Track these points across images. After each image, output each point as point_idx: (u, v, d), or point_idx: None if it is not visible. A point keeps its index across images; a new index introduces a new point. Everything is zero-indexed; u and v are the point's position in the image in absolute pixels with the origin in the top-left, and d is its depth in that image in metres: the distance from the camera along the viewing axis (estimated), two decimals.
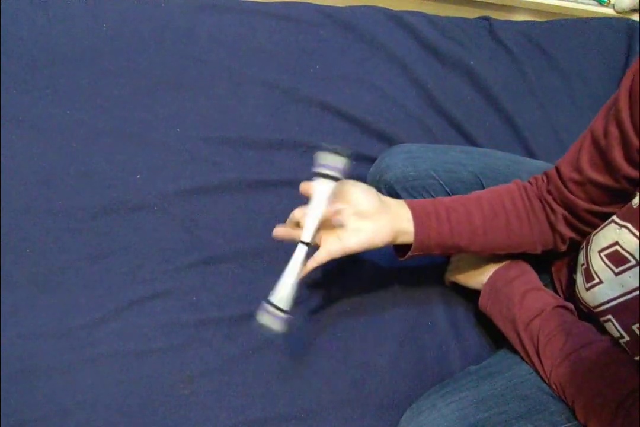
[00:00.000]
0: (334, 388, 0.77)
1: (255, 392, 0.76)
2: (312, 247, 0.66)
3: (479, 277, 0.77)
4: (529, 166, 0.83)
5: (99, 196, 0.90)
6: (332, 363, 0.79)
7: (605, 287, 0.61)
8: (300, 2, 1.22)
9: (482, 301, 0.76)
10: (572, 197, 0.64)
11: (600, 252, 0.62)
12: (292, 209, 0.93)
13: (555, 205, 0.67)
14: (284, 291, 0.64)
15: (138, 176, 0.93)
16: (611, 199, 0.63)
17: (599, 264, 0.62)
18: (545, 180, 0.69)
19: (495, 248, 0.70)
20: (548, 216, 0.68)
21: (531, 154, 1.06)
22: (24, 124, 0.96)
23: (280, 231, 0.68)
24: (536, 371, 0.67)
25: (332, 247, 0.64)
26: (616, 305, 0.60)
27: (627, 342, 0.60)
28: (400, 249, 0.70)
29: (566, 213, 0.67)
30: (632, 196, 0.59)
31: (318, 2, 1.22)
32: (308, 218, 0.66)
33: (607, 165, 0.59)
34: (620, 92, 0.57)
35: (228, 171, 0.96)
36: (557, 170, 0.66)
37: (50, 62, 1.03)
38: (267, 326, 0.63)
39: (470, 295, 0.82)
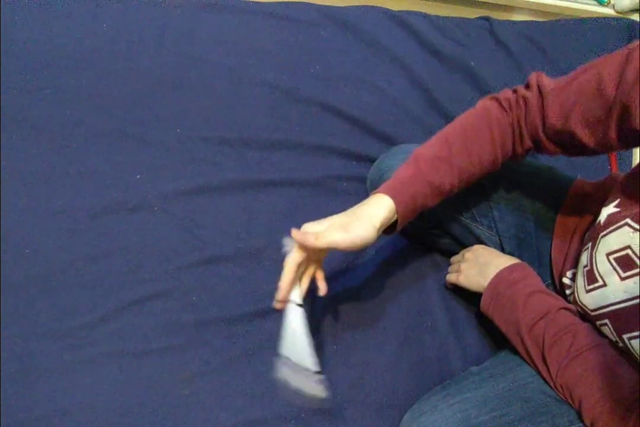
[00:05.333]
0: (334, 388, 0.77)
1: (255, 392, 0.76)
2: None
3: (480, 280, 0.77)
4: (528, 167, 0.83)
5: (99, 196, 0.90)
6: (332, 363, 0.79)
7: (608, 291, 0.61)
8: (300, 2, 1.22)
9: (484, 304, 0.75)
10: (543, 138, 0.65)
11: (608, 255, 0.61)
12: (291, 209, 0.94)
13: (525, 133, 0.67)
14: (311, 354, 0.63)
15: (138, 176, 0.93)
16: (579, 152, 0.64)
17: (605, 267, 0.61)
18: (523, 109, 0.66)
19: (467, 166, 0.68)
20: (514, 137, 0.68)
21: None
22: (24, 124, 0.96)
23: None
24: (539, 373, 0.66)
25: (330, 236, 0.62)
26: (615, 311, 0.60)
27: (622, 347, 0.60)
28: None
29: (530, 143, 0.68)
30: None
31: (318, 2, 1.22)
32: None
33: (600, 124, 0.58)
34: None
35: (228, 171, 0.96)
36: (543, 108, 0.64)
37: (50, 62, 1.03)
38: (311, 395, 0.63)
39: (471, 296, 0.82)
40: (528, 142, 0.67)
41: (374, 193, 0.67)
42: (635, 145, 0.59)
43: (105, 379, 0.75)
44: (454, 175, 0.67)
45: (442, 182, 0.67)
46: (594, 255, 0.64)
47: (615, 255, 0.60)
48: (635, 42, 0.56)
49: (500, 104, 0.68)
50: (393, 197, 0.65)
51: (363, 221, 0.63)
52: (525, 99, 0.65)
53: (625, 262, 0.58)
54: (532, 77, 0.65)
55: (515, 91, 0.68)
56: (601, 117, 0.58)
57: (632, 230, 0.58)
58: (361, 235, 0.62)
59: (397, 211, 0.65)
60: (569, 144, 0.64)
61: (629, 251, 0.58)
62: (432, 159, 0.67)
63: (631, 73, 0.54)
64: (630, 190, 0.61)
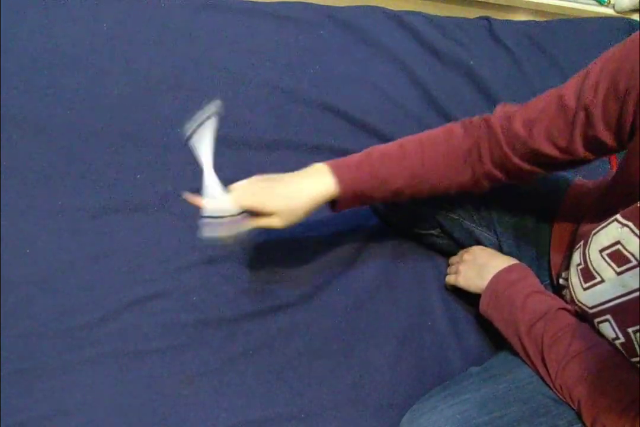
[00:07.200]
0: (334, 388, 0.77)
1: (255, 392, 0.76)
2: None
3: (479, 281, 0.77)
4: None
5: (99, 196, 0.90)
6: (332, 363, 0.79)
7: (606, 286, 0.61)
8: (300, 2, 1.22)
9: (483, 305, 0.75)
10: (510, 153, 0.64)
11: (601, 251, 0.61)
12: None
13: (484, 154, 0.66)
14: (213, 200, 0.67)
15: (138, 176, 0.93)
16: (550, 166, 0.64)
17: (599, 263, 0.62)
18: (484, 131, 0.67)
19: (419, 171, 0.68)
20: (476, 156, 0.68)
21: None
22: (24, 124, 0.96)
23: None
24: (538, 374, 0.66)
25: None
26: (615, 305, 0.60)
27: (622, 344, 0.60)
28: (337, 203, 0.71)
29: (496, 161, 0.66)
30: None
31: (318, 2, 1.22)
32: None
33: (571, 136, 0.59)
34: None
35: (228, 171, 0.96)
36: (508, 123, 0.65)
37: (50, 62, 1.03)
38: (215, 238, 0.66)
39: (471, 297, 0.82)
40: (488, 165, 0.67)
41: (315, 166, 0.69)
42: (603, 154, 0.61)
43: (105, 379, 0.75)
44: (404, 177, 0.68)
45: (388, 178, 0.68)
46: (586, 253, 0.64)
47: (608, 251, 0.60)
48: (595, 63, 0.58)
49: (463, 125, 0.69)
50: (338, 176, 0.67)
51: (297, 196, 0.66)
52: (487, 121, 0.67)
53: (618, 257, 0.59)
54: (499, 106, 0.68)
55: (481, 116, 0.69)
56: (565, 130, 0.60)
57: (620, 225, 0.59)
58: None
59: (339, 191, 0.67)
60: (534, 158, 0.64)
61: (619, 246, 0.59)
62: (382, 155, 0.69)
63: (591, 80, 0.56)
64: None
